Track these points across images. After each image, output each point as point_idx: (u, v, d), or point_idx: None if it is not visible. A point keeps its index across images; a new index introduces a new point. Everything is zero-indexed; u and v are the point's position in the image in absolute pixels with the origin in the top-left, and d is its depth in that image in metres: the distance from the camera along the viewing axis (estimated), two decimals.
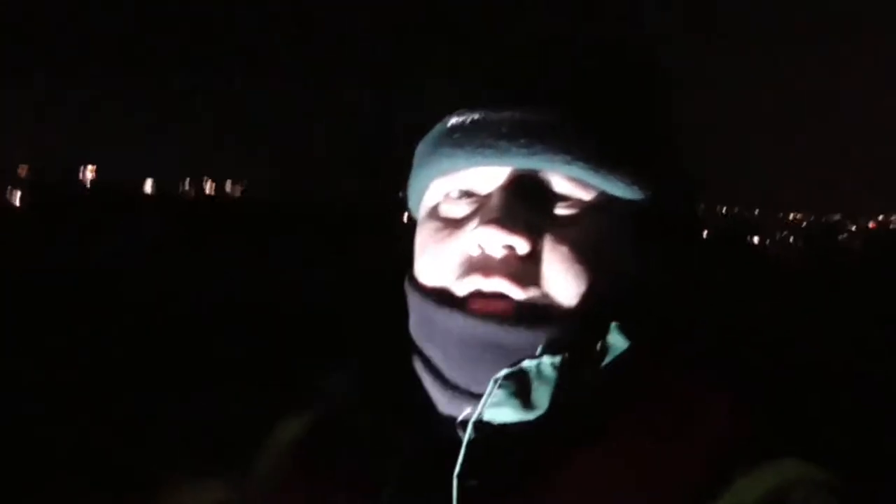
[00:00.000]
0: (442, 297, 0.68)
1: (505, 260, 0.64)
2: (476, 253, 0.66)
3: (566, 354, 0.62)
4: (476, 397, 0.64)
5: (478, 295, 0.66)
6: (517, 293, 0.64)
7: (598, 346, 0.64)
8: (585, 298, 0.65)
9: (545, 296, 0.65)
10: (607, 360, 0.65)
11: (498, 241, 0.63)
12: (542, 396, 0.62)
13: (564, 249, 0.65)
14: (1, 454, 3.60)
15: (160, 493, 0.79)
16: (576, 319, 0.64)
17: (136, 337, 6.52)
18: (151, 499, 0.79)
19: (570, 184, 0.67)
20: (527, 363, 0.62)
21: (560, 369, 0.62)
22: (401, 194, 0.80)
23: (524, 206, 0.65)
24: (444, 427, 0.67)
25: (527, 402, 0.62)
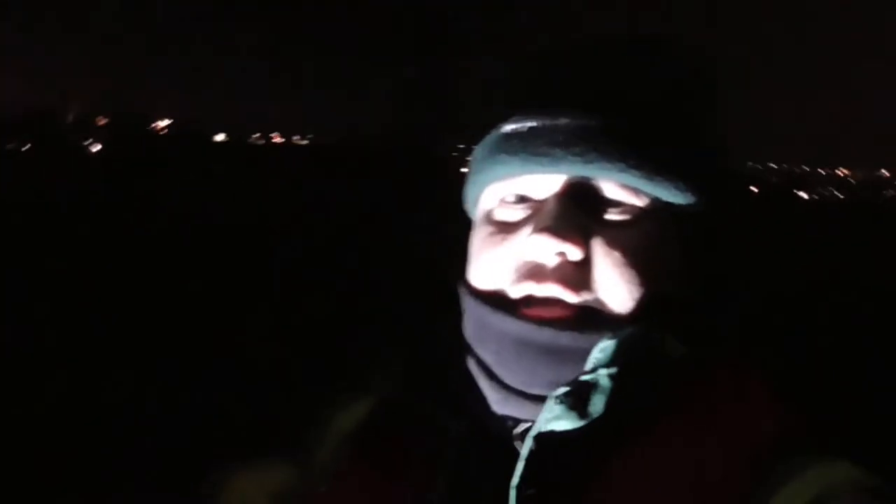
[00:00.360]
0: (496, 302, 0.67)
1: (558, 266, 0.64)
2: (530, 259, 0.65)
3: (622, 364, 0.61)
4: (530, 398, 0.64)
5: (531, 300, 0.65)
6: (571, 297, 0.64)
7: (653, 352, 0.63)
8: (638, 303, 0.64)
9: (598, 300, 0.64)
10: (662, 365, 0.64)
11: (551, 249, 0.62)
12: (598, 406, 0.62)
13: (617, 255, 0.64)
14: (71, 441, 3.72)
15: (223, 481, 0.80)
16: (629, 324, 0.63)
17: (203, 304, 6.38)
18: (215, 486, 0.80)
19: (623, 190, 0.66)
20: (584, 377, 0.62)
21: (616, 378, 0.61)
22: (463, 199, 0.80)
23: (577, 213, 0.64)
24: (498, 425, 0.66)
25: (584, 413, 0.61)
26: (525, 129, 0.67)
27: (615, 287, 0.64)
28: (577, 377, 0.63)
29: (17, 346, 4.42)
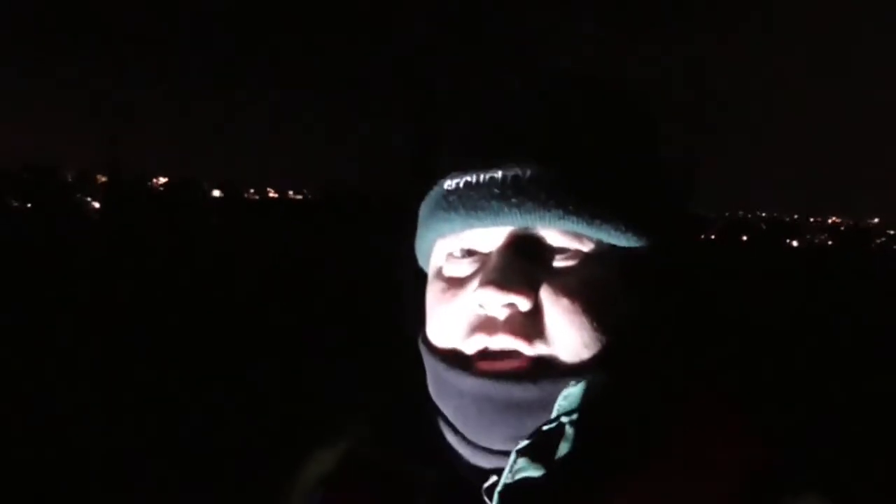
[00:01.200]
0: (451, 358, 0.65)
1: (509, 318, 0.62)
2: (479, 312, 0.64)
3: (583, 410, 0.60)
4: (497, 454, 0.63)
5: (486, 353, 0.63)
6: (525, 348, 0.61)
7: (615, 391, 0.62)
8: (592, 348, 0.62)
9: (552, 349, 0.62)
10: (627, 404, 0.63)
11: (498, 301, 0.61)
12: (564, 453, 0.60)
13: (565, 302, 0.62)
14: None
15: None
16: (586, 370, 0.62)
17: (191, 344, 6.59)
18: None
19: (565, 237, 0.64)
20: (546, 428, 0.60)
21: (577, 424, 0.60)
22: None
23: (522, 263, 0.63)
24: (469, 475, 0.65)
25: (550, 462, 0.60)
26: (462, 185, 0.66)
27: (567, 334, 0.63)
28: (539, 427, 0.61)
29: (17, 401, 4.70)
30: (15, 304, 8.27)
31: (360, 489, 0.71)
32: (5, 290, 9.49)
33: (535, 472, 0.60)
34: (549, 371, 0.62)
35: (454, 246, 0.69)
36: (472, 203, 0.65)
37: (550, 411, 0.61)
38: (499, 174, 0.64)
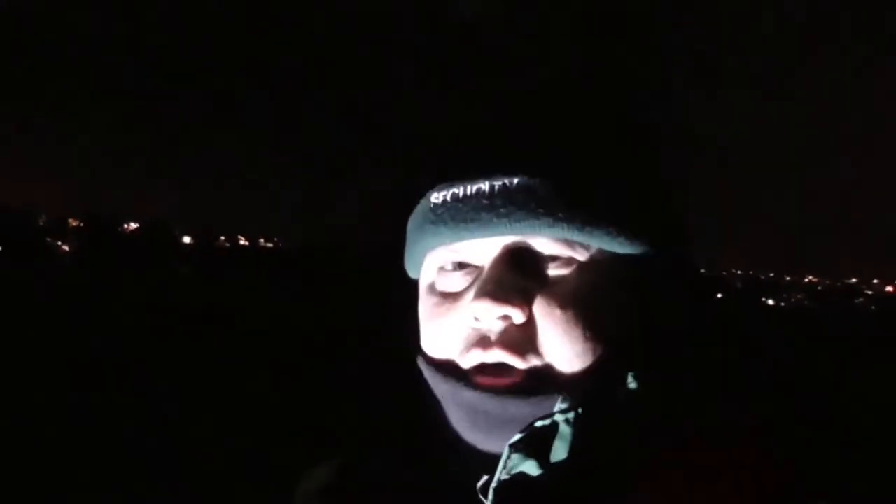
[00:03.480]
0: (448, 371, 0.66)
1: (503, 331, 0.62)
2: (474, 326, 0.64)
3: (579, 409, 0.60)
4: (495, 458, 0.62)
5: (482, 368, 0.63)
6: (518, 363, 0.62)
7: (613, 396, 0.63)
8: (585, 358, 0.63)
9: (546, 361, 0.62)
10: (624, 409, 0.63)
11: (492, 314, 0.61)
12: (560, 452, 0.60)
13: (558, 313, 0.62)
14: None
15: None
16: (580, 378, 0.62)
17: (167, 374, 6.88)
18: None
19: (557, 245, 0.64)
20: (539, 423, 0.61)
21: (575, 424, 0.60)
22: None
23: (515, 274, 0.63)
24: (463, 478, 0.65)
25: (545, 460, 0.60)
26: (450, 197, 0.66)
27: (560, 346, 0.63)
28: (532, 423, 0.61)
29: None
30: None
31: (357, 501, 0.71)
32: None
33: (529, 468, 0.61)
34: (542, 385, 0.63)
35: (445, 259, 0.69)
36: (462, 215, 0.65)
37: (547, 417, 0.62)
38: (486, 185, 0.65)
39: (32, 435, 4.72)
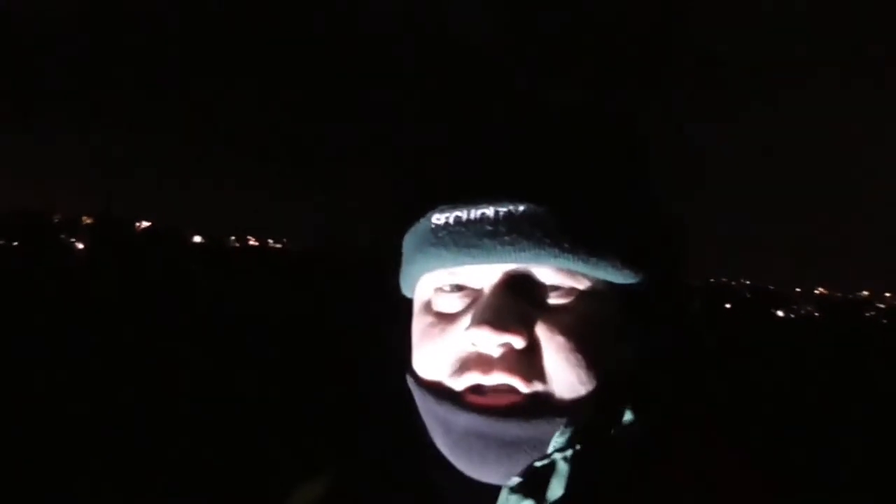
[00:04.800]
0: (441, 393, 0.64)
1: (504, 356, 0.61)
2: (471, 350, 0.63)
3: (577, 446, 0.59)
4: (487, 487, 0.62)
5: (480, 388, 0.62)
6: (521, 386, 0.61)
7: (609, 429, 0.61)
8: (588, 385, 0.62)
9: (548, 386, 0.62)
10: (620, 441, 0.61)
11: (493, 341, 0.60)
12: (557, 491, 0.59)
13: (561, 339, 0.61)
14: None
15: None
16: (580, 407, 0.61)
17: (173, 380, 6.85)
18: None
19: (559, 274, 0.63)
20: (538, 464, 0.59)
21: (572, 461, 0.59)
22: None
23: (516, 301, 0.62)
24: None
25: (542, 500, 0.59)
26: (452, 220, 0.64)
27: (563, 372, 0.62)
28: (531, 464, 0.60)
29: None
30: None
31: None
32: None
33: None
34: (544, 409, 0.62)
35: (443, 280, 0.67)
36: (465, 240, 0.64)
37: (542, 449, 0.61)
38: (490, 210, 0.64)
39: (44, 433, 4.81)
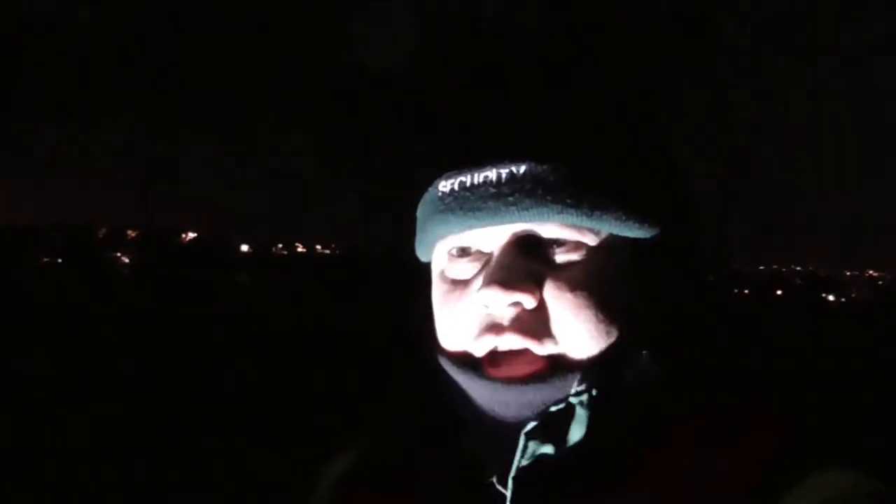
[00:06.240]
0: (462, 361, 0.65)
1: (516, 317, 0.62)
2: (485, 313, 0.64)
3: (594, 392, 0.60)
4: (508, 441, 0.62)
5: (496, 354, 0.63)
6: (536, 347, 0.61)
7: (628, 376, 0.63)
8: (601, 340, 0.62)
9: (561, 346, 0.62)
10: (637, 386, 0.63)
11: (503, 301, 0.61)
12: (577, 435, 0.60)
13: (570, 296, 0.62)
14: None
15: None
16: (595, 361, 0.62)
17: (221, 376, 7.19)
18: None
19: (566, 230, 0.63)
20: (554, 408, 0.60)
21: (590, 406, 0.60)
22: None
23: (524, 260, 0.63)
24: (483, 468, 0.65)
25: (562, 444, 0.60)
26: (457, 186, 0.65)
27: (574, 328, 0.62)
28: (547, 408, 0.61)
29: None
30: (42, 357, 8.48)
31: (373, 488, 0.71)
32: (36, 342, 9.76)
33: (546, 451, 0.61)
34: (559, 369, 0.62)
35: (454, 246, 0.68)
36: (470, 204, 0.65)
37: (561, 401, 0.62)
38: (493, 173, 0.65)
39: (97, 450, 4.93)
